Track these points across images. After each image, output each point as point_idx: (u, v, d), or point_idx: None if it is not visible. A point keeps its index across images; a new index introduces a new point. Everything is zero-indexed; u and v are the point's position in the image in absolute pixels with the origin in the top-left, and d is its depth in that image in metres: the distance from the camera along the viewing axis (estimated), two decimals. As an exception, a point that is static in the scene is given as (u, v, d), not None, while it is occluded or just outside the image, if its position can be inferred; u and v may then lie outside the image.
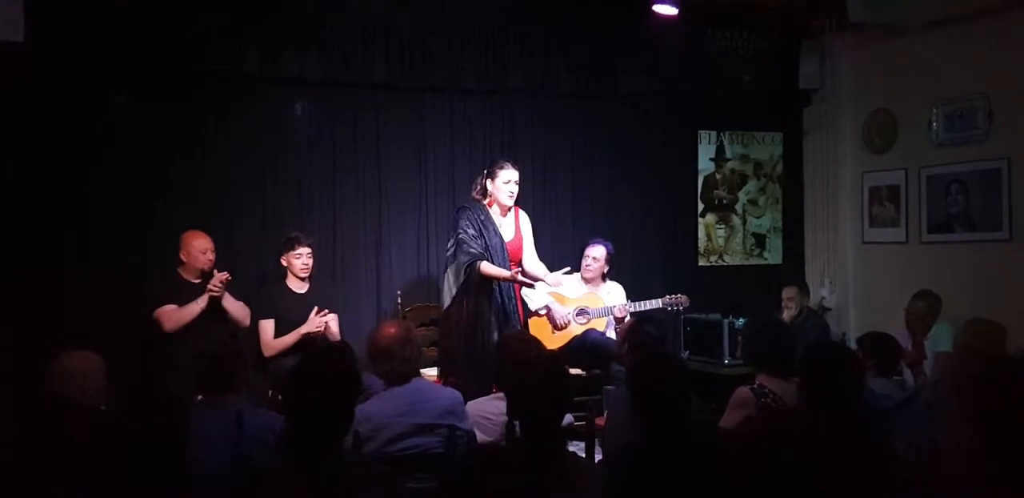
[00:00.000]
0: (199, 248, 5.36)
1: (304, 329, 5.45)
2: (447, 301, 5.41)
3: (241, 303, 5.44)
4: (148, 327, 5.24)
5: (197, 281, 5.35)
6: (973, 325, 4.55)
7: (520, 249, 5.65)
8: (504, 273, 5.35)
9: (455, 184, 6.60)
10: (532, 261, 5.69)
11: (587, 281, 6.40)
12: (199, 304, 5.20)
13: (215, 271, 5.28)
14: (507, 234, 5.56)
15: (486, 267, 5.32)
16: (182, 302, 5.23)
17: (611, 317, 6.20)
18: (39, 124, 5.60)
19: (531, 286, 5.55)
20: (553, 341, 6.06)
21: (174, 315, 5.21)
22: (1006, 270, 6.13)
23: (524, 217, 5.77)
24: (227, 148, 6.14)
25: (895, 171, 7.01)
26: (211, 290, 5.21)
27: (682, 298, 6.22)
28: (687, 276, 7.08)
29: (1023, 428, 2.35)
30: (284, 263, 5.68)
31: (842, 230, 7.49)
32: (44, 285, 5.54)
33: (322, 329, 5.48)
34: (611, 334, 6.15)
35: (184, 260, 5.36)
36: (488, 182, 5.53)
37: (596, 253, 6.38)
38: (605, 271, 6.43)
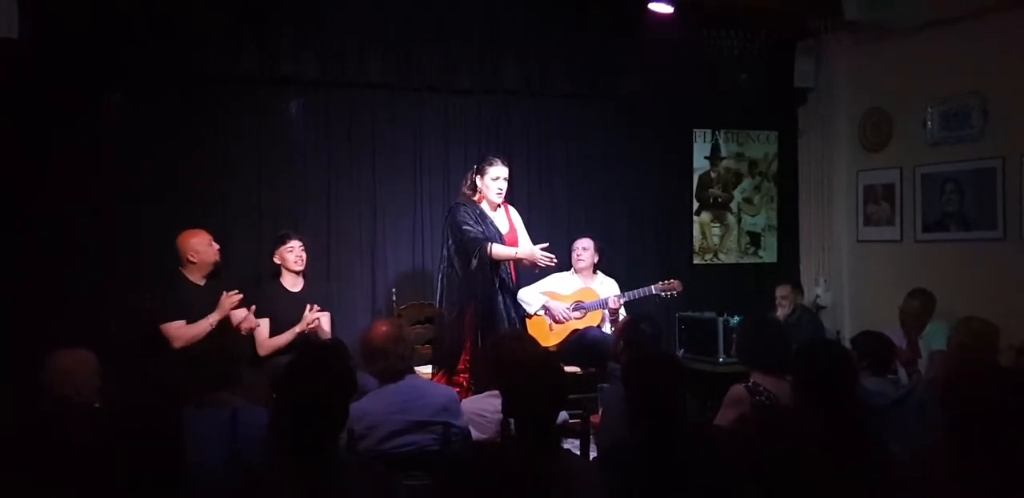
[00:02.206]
0: (204, 242, 5.28)
1: (298, 328, 5.42)
2: (454, 298, 5.42)
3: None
4: (147, 328, 5.16)
5: (203, 283, 5.31)
6: (966, 324, 4.56)
7: (516, 241, 5.71)
8: (515, 251, 5.43)
9: (450, 183, 6.60)
10: None
11: (579, 272, 6.42)
12: (210, 322, 5.09)
13: (234, 296, 5.14)
14: (502, 228, 5.61)
15: (497, 249, 5.39)
16: (190, 306, 5.15)
17: (607, 310, 6.20)
18: (34, 121, 5.58)
19: (551, 261, 5.53)
20: (550, 339, 6.07)
21: (184, 333, 5.07)
22: (1000, 269, 6.14)
23: (513, 211, 5.86)
24: (223, 147, 6.14)
25: (890, 170, 7.02)
26: (243, 331, 5.21)
27: (675, 283, 6.21)
28: (682, 274, 7.04)
29: (993, 432, 2.37)
30: (277, 260, 5.67)
31: (837, 229, 7.50)
32: (40, 283, 5.53)
33: (314, 326, 5.45)
34: (607, 328, 6.16)
35: (193, 260, 5.24)
36: (477, 178, 5.57)
37: (584, 244, 6.44)
38: (595, 261, 6.46)
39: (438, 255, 5.78)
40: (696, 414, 3.79)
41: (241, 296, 5.19)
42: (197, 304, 5.16)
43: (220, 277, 5.38)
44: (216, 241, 5.42)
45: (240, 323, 5.24)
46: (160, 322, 5.12)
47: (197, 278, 5.30)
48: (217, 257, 5.34)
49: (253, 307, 5.26)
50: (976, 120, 6.35)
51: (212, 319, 5.10)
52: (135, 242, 5.81)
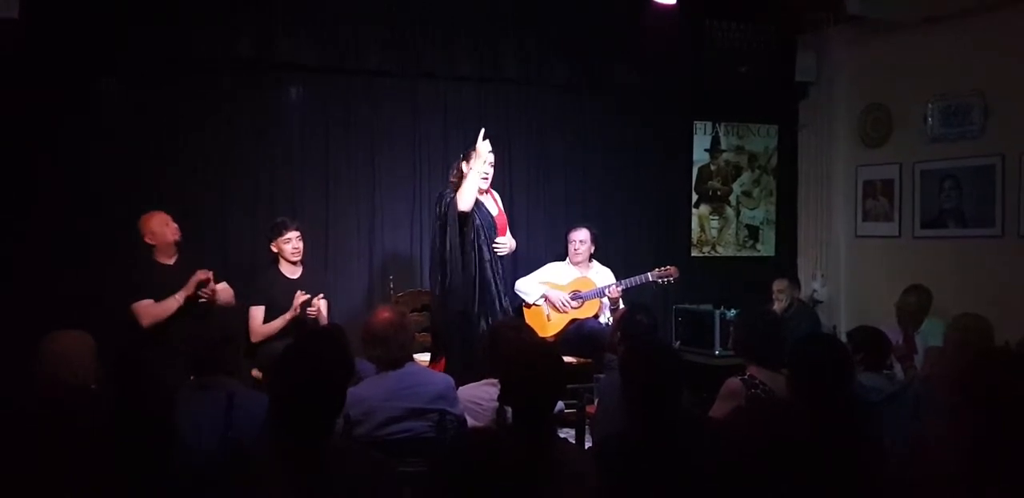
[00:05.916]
0: (160, 223, 5.28)
1: (289, 315, 5.40)
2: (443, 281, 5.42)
3: (224, 284, 5.39)
4: (118, 310, 5.17)
5: (172, 262, 5.31)
6: (962, 320, 4.57)
7: (505, 224, 5.74)
8: (471, 177, 5.35)
9: (448, 170, 6.58)
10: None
11: (576, 265, 6.44)
12: (176, 300, 5.10)
13: (204, 274, 5.14)
14: (491, 211, 5.62)
15: (460, 192, 5.32)
16: (160, 286, 5.15)
17: (606, 299, 6.21)
18: (31, 102, 5.55)
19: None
20: (548, 329, 6.09)
21: (151, 311, 5.10)
22: (997, 266, 6.15)
23: (497, 196, 5.85)
24: (219, 133, 6.12)
25: (889, 165, 7.02)
26: (201, 297, 5.15)
27: (671, 269, 6.23)
28: (679, 266, 7.06)
29: (1012, 419, 2.36)
30: (275, 249, 5.63)
31: (835, 223, 7.50)
32: (35, 267, 5.51)
33: (314, 313, 5.44)
34: (604, 319, 6.18)
35: (152, 242, 5.26)
36: (464, 165, 5.54)
37: (581, 237, 6.44)
38: (592, 251, 6.47)
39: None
40: (691, 406, 3.79)
41: (210, 273, 5.19)
42: (166, 283, 5.16)
43: (184, 256, 5.37)
44: (212, 227, 5.41)
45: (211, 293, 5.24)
46: (129, 302, 5.12)
47: (164, 258, 5.31)
48: (176, 236, 5.32)
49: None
50: (977, 117, 6.35)
51: (179, 296, 5.10)
52: (128, 227, 5.76)
